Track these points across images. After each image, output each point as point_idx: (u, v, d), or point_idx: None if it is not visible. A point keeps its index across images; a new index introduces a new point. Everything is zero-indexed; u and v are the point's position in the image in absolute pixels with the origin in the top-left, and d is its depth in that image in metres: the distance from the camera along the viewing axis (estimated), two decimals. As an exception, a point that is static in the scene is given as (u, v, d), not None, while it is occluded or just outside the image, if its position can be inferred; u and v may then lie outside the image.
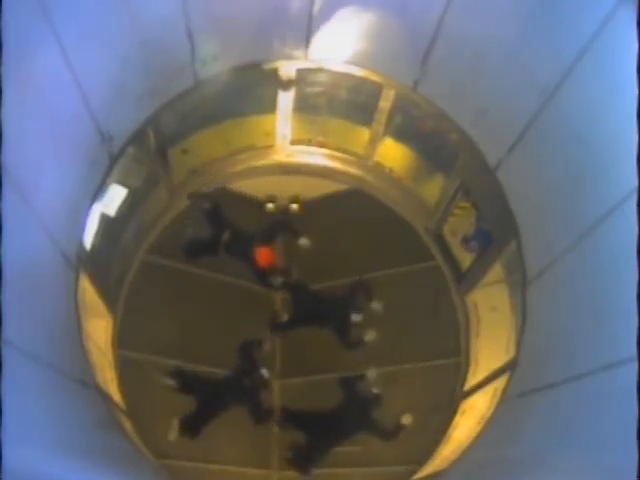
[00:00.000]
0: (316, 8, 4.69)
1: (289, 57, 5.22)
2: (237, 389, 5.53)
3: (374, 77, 5.26)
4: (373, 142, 5.91)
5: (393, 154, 5.91)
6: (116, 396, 5.19)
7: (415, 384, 5.66)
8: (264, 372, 5.59)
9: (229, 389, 5.51)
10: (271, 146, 6.06)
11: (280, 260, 5.85)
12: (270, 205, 6.05)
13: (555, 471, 3.42)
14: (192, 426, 5.41)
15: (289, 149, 6.11)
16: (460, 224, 5.66)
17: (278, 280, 5.77)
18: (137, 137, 5.05)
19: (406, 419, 5.49)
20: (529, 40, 4.05)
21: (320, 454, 5.40)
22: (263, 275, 5.78)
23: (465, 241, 5.65)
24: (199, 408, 5.44)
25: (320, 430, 5.44)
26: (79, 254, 4.66)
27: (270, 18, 4.77)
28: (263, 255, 5.60)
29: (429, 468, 5.31)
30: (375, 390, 5.53)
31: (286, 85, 5.42)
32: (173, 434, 5.40)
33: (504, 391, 4.77)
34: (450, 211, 5.71)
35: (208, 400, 5.44)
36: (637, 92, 3.00)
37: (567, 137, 3.99)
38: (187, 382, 5.47)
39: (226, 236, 5.72)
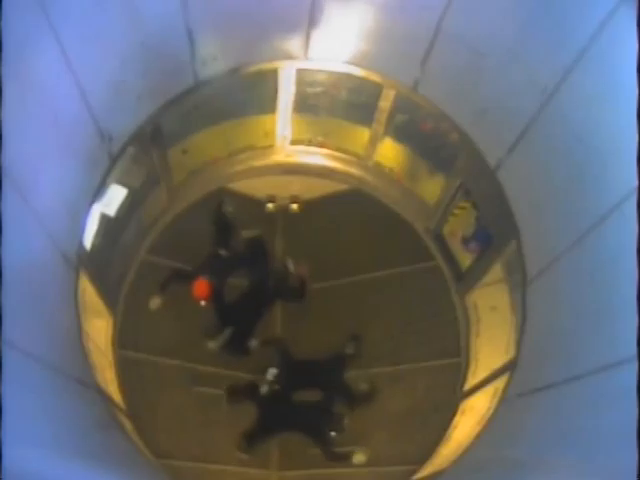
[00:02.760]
0: (316, 8, 4.69)
1: (289, 57, 5.23)
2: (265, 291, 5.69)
3: (374, 77, 5.27)
4: (373, 142, 5.91)
5: (393, 154, 5.91)
6: (116, 396, 5.19)
7: (415, 384, 5.66)
8: (290, 265, 5.74)
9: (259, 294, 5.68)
10: (271, 146, 6.06)
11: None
12: (270, 205, 6.05)
13: (555, 471, 3.41)
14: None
15: (289, 149, 6.11)
16: (460, 224, 5.66)
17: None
18: (137, 137, 5.05)
19: (357, 457, 5.49)
20: (529, 40, 4.05)
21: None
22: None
23: (465, 241, 5.64)
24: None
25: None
26: (79, 254, 4.66)
27: (270, 18, 4.77)
28: (200, 287, 5.48)
29: (429, 468, 5.31)
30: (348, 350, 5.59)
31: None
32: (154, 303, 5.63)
33: (504, 391, 4.77)
34: (450, 211, 5.71)
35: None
36: (637, 92, 3.00)
37: (567, 137, 3.99)
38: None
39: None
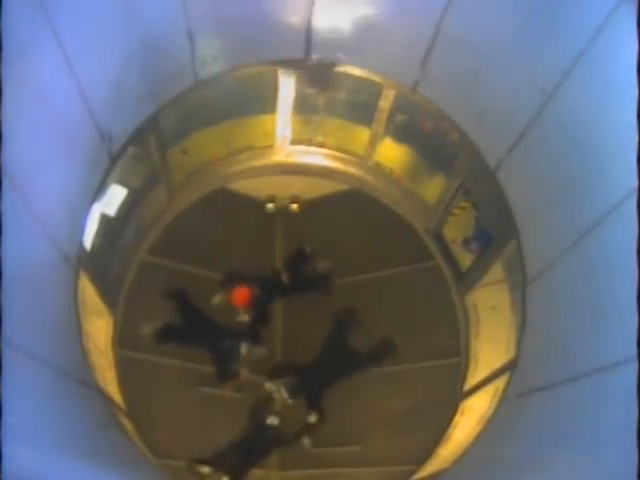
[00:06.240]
0: (316, 8, 4.69)
1: (289, 57, 5.22)
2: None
3: (374, 77, 5.27)
4: (373, 142, 5.91)
5: (393, 154, 5.91)
6: (116, 396, 5.19)
7: (415, 384, 5.66)
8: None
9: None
10: (271, 146, 6.06)
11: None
12: (270, 205, 6.05)
13: (555, 471, 3.42)
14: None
15: (289, 149, 6.11)
16: (460, 224, 5.66)
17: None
18: (137, 137, 5.05)
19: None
20: (529, 40, 4.05)
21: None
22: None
23: (465, 241, 5.65)
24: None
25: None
26: (79, 254, 4.66)
27: (270, 18, 4.77)
28: (240, 294, 5.53)
29: (429, 468, 5.31)
30: None
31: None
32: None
33: (504, 391, 4.78)
34: (450, 211, 5.71)
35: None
36: (637, 92, 3.00)
37: (567, 137, 4.00)
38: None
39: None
